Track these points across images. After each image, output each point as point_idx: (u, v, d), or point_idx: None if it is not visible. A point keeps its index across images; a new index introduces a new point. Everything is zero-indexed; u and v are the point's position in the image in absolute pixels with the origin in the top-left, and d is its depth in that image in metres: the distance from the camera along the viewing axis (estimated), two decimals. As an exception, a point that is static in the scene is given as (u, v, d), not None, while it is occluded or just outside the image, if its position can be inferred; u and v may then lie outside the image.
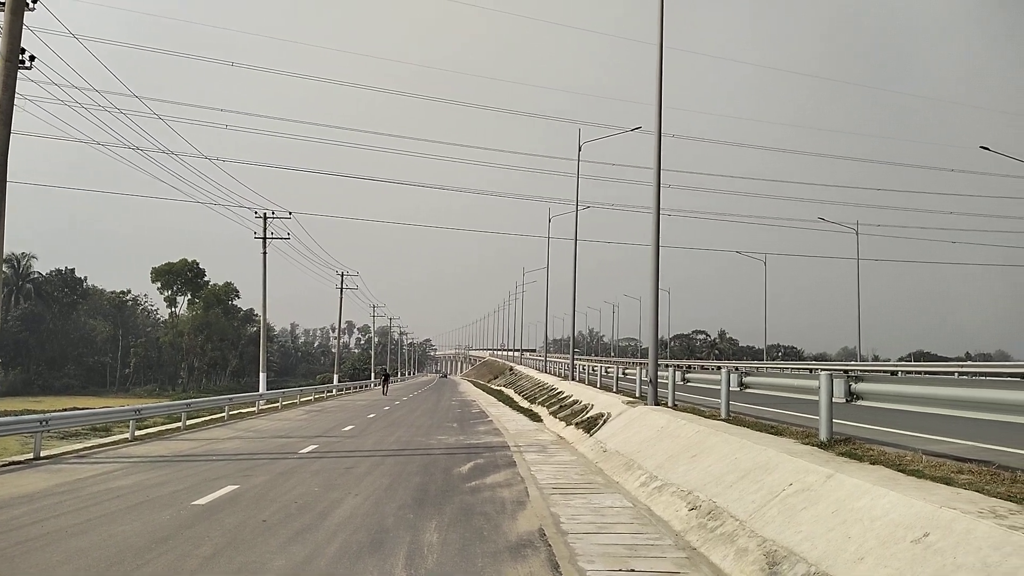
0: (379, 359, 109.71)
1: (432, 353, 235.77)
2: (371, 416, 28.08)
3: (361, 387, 66.89)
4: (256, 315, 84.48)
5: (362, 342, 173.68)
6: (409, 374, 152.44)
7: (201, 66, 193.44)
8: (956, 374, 29.05)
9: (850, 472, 6.68)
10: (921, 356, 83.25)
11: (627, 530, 7.91)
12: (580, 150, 34.56)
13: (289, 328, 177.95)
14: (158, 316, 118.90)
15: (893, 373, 33.17)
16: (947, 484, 6.01)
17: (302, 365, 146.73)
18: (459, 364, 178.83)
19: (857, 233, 52.22)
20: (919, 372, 35.61)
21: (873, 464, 7.13)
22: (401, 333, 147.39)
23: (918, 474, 6.51)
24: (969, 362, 49.48)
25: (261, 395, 33.78)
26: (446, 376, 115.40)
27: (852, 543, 5.37)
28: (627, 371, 25.86)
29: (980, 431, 9.42)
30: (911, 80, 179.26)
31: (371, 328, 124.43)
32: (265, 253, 42.51)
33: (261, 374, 41.10)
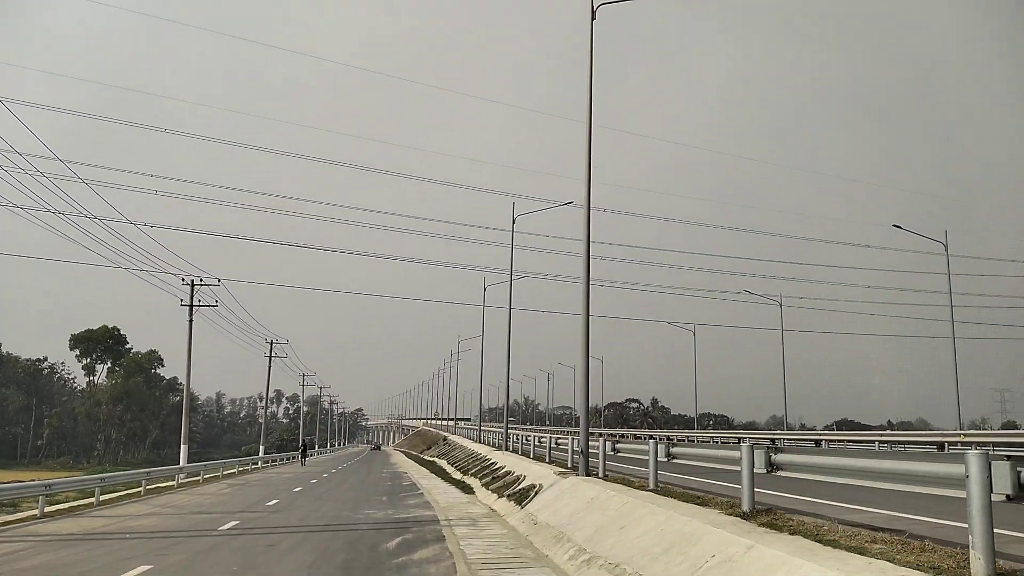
0: (308, 429, 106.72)
1: (364, 423, 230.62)
2: (297, 490, 27.22)
3: (289, 459, 64.79)
4: (180, 384, 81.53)
5: (291, 412, 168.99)
6: (340, 444, 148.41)
7: (132, 132, 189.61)
8: (877, 443, 30.00)
9: (770, 543, 6.82)
10: (845, 424, 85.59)
11: (554, 606, 7.84)
12: (514, 222, 35.23)
13: (215, 397, 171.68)
14: (75, 385, 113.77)
15: (817, 443, 34.05)
16: (861, 554, 6.19)
17: (227, 436, 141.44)
18: (392, 434, 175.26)
19: (781, 305, 54.06)
20: (841, 441, 36.63)
21: (792, 534, 7.30)
22: (331, 402, 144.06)
23: (834, 544, 6.69)
24: (889, 431, 51.07)
25: (181, 468, 32.38)
26: (379, 447, 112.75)
27: (770, 615, 5.47)
28: (560, 441, 25.84)
29: (894, 500, 9.76)
30: (823, 160, 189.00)
31: (300, 397, 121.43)
32: (191, 321, 41.36)
33: (182, 446, 39.43)
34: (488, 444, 43.36)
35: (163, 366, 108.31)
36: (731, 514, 8.90)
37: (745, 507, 8.89)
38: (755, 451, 9.23)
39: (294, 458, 64.67)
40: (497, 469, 25.29)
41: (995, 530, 5.26)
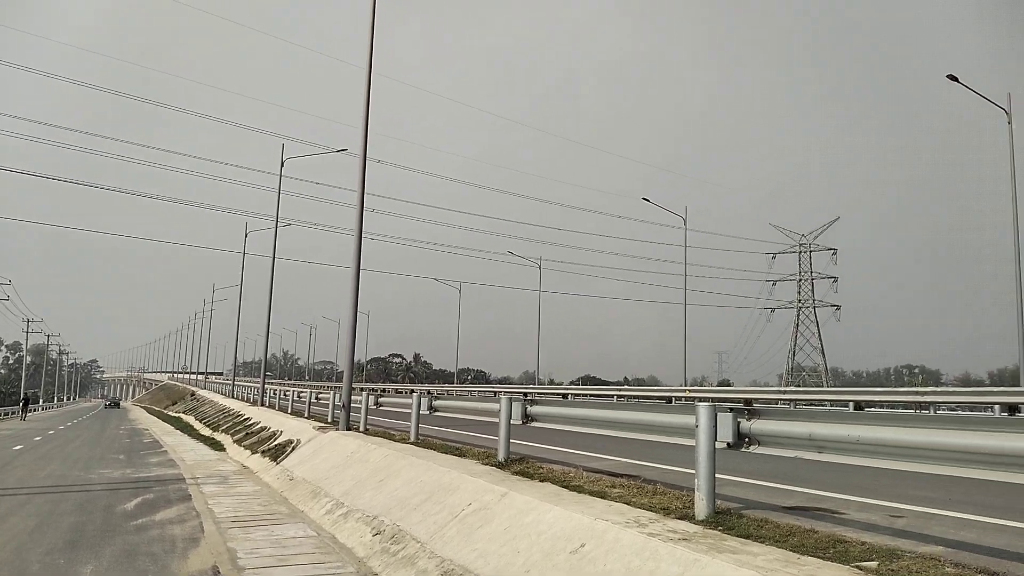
0: (32, 382, 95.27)
1: (99, 376, 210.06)
2: (17, 448, 24.25)
3: (7, 414, 57.54)
4: None
5: (11, 362, 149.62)
6: (70, 399, 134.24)
7: None
8: (615, 397, 32.72)
9: (522, 490, 7.19)
10: (588, 380, 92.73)
11: (309, 560, 7.70)
12: (283, 165, 33.57)
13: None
14: None
15: (564, 396, 36.44)
16: (602, 498, 6.72)
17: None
18: (132, 388, 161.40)
19: (540, 268, 56.82)
20: (585, 395, 39.58)
21: (542, 481, 7.75)
22: (60, 352, 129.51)
23: (579, 490, 7.20)
24: (626, 386, 56.00)
25: None
26: (116, 403, 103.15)
27: (520, 557, 5.77)
28: (320, 396, 25.38)
29: (632, 449, 10.72)
30: (586, 129, 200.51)
31: (23, 346, 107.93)
32: None
33: None
34: (242, 399, 41.53)
35: None
36: (488, 464, 9.26)
37: (501, 457, 9.29)
38: (513, 403, 9.65)
39: (14, 413, 57.65)
40: (252, 425, 24.29)
41: (716, 475, 5.94)
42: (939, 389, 23.34)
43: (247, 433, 22.81)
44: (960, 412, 19.25)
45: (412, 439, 12.69)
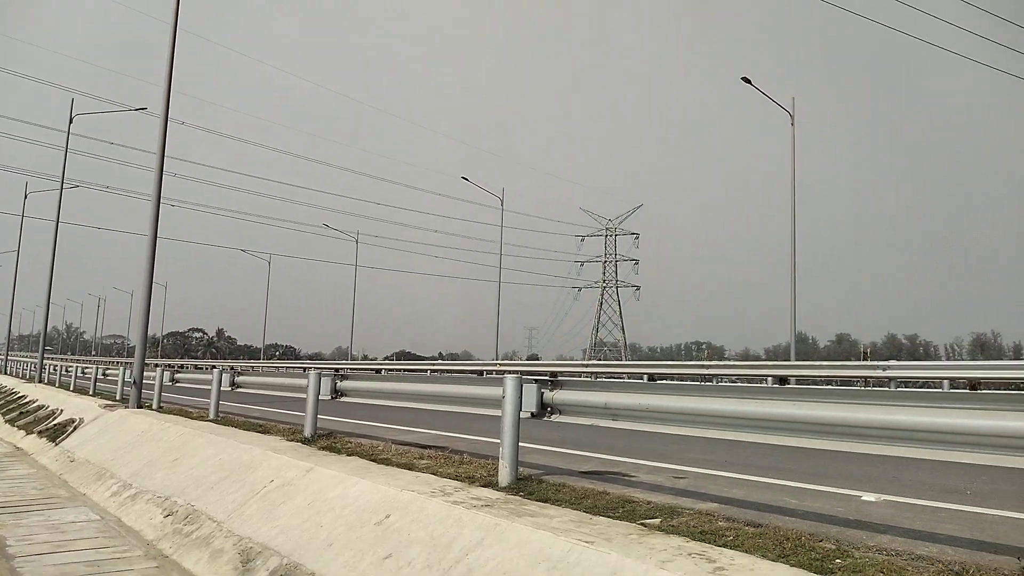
0: None
1: None
2: None
3: None
4: None
5: None
6: None
7: None
8: (429, 371, 32.94)
9: (328, 464, 7.06)
10: (403, 355, 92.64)
11: (91, 546, 7.13)
12: (71, 122, 30.43)
13: None
14: None
15: (378, 371, 36.16)
16: (410, 469, 6.76)
17: None
18: None
19: (357, 242, 55.77)
20: (399, 369, 39.53)
21: (350, 456, 7.66)
22: None
23: (387, 462, 7.20)
24: (440, 360, 56.49)
25: None
26: None
27: (323, 531, 5.68)
28: (108, 371, 23.43)
29: (441, 421, 10.85)
30: (410, 103, 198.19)
31: None
32: None
33: None
34: (16, 376, 37.57)
35: None
36: (293, 440, 9.01)
37: (307, 432, 9.07)
38: (323, 378, 9.44)
39: None
40: (27, 403, 22.00)
41: (522, 444, 6.15)
42: (722, 363, 25.56)
43: (21, 412, 20.62)
44: (739, 384, 21.21)
45: (211, 416, 12.07)
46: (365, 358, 74.11)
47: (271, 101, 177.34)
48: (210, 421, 11.68)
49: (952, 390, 14.39)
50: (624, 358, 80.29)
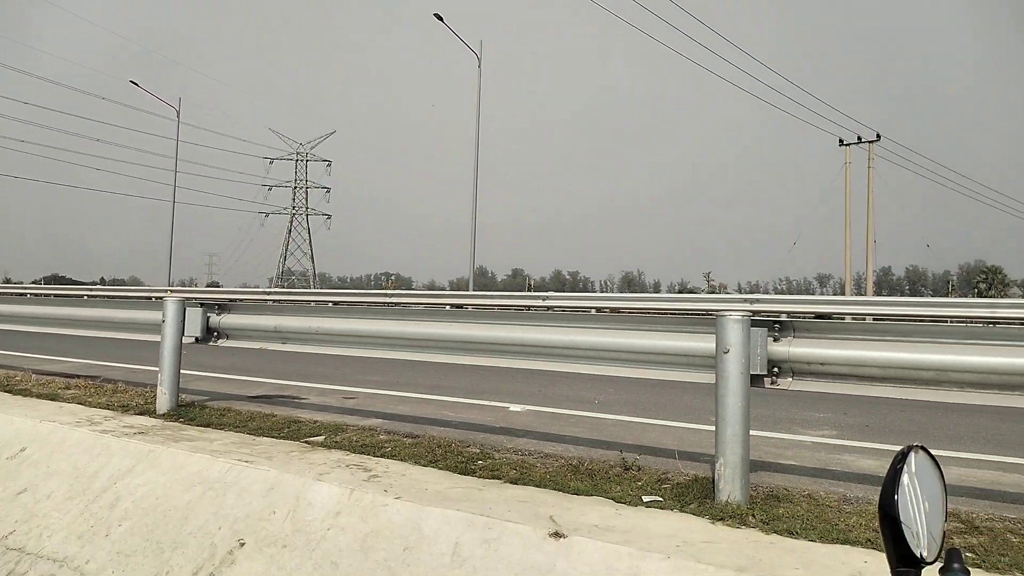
0: None
1: None
2: None
3: None
4: None
5: None
6: None
7: None
8: (85, 295, 29.61)
9: (-54, 399, 6.16)
10: (56, 279, 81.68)
11: None
12: None
13: None
14: None
15: (22, 295, 31.71)
16: (53, 400, 6.16)
17: None
18: None
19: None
20: (53, 295, 34.97)
21: (-22, 389, 6.75)
22: None
23: (26, 393, 6.47)
24: (101, 286, 50.80)
25: None
26: None
27: (-61, 472, 4.99)
28: None
29: (95, 350, 9.93)
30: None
31: None
32: None
33: None
34: None
35: None
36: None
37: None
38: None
39: None
40: None
41: (190, 371, 5.90)
42: (404, 291, 26.39)
43: None
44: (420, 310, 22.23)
45: None
46: (7, 282, 64.15)
47: None
48: None
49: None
50: (312, 287, 79.10)
